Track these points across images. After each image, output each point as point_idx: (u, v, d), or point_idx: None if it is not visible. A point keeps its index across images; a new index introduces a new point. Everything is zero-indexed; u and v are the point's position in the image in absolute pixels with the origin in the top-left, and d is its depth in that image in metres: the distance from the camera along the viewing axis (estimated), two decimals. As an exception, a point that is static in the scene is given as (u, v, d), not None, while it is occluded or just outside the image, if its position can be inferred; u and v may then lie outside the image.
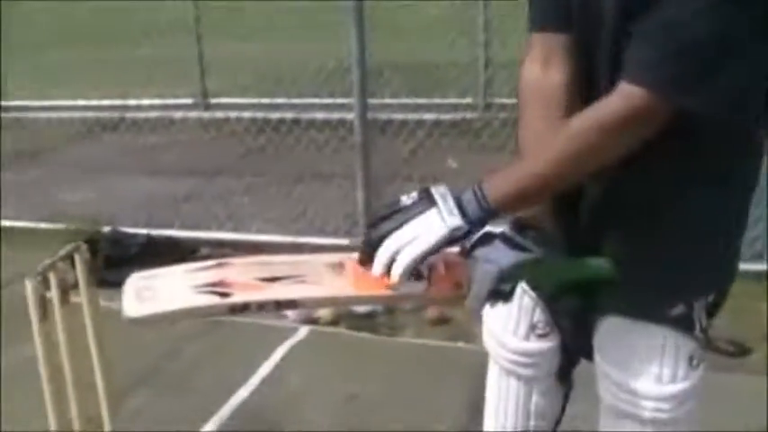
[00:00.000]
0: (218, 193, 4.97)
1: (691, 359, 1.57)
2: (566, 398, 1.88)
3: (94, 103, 6.85)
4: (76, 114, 6.87)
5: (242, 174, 5.28)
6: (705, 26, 1.30)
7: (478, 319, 1.63)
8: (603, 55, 1.45)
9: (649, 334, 1.55)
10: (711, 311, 1.59)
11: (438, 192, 1.41)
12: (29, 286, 1.96)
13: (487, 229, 1.45)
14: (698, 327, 1.56)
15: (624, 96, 1.35)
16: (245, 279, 1.42)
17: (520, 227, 1.49)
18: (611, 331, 1.60)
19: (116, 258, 3.81)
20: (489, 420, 1.91)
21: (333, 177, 4.72)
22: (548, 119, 1.51)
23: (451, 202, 1.39)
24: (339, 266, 1.46)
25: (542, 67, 1.53)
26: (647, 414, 1.59)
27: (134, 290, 1.42)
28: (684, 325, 1.54)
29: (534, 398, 1.83)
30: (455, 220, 1.38)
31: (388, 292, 1.41)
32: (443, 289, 1.46)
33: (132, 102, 6.66)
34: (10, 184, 5.39)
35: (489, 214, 1.40)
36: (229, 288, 1.40)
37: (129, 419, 2.68)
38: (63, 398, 2.11)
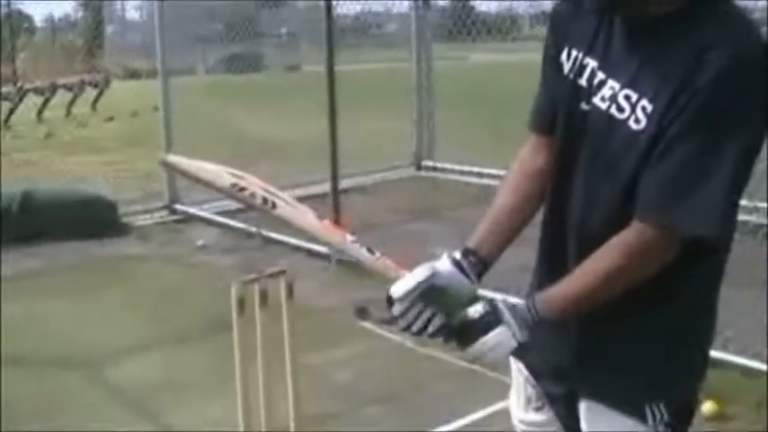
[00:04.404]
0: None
1: None
2: None
3: (492, 171, 7.62)
4: (478, 180, 7.74)
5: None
6: (719, 164, 1.51)
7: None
8: (582, 163, 1.69)
9: (612, 420, 1.74)
10: (680, 411, 1.73)
11: (507, 308, 1.62)
12: (233, 287, 2.65)
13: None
14: (654, 421, 1.71)
15: (641, 231, 1.58)
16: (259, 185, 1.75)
17: (469, 254, 1.74)
18: (584, 415, 1.81)
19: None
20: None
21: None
22: (516, 191, 1.80)
23: (519, 320, 1.63)
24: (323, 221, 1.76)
25: (532, 151, 1.82)
26: None
27: (185, 157, 1.78)
28: (644, 417, 1.70)
29: None
30: (524, 336, 1.63)
31: (345, 245, 1.71)
32: (384, 268, 1.70)
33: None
34: (406, 232, 6.32)
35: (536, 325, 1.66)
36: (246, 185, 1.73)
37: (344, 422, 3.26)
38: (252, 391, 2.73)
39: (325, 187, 7.31)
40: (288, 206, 1.75)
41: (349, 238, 1.75)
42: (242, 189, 1.74)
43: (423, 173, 8.51)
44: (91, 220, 6.30)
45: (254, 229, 6.35)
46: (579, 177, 1.70)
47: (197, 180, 1.78)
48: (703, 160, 1.52)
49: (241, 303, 2.65)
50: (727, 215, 1.57)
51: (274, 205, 1.74)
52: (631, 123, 1.58)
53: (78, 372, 3.87)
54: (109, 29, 21.97)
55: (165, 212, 7.05)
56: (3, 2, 20.62)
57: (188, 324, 4.44)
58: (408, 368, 3.57)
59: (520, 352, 1.69)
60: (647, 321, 1.69)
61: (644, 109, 1.57)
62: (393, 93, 8.88)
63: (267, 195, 1.74)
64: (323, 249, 5.78)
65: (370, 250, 1.73)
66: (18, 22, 24.53)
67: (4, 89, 14.32)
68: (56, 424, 3.40)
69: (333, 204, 5.75)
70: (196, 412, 3.48)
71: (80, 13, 29.83)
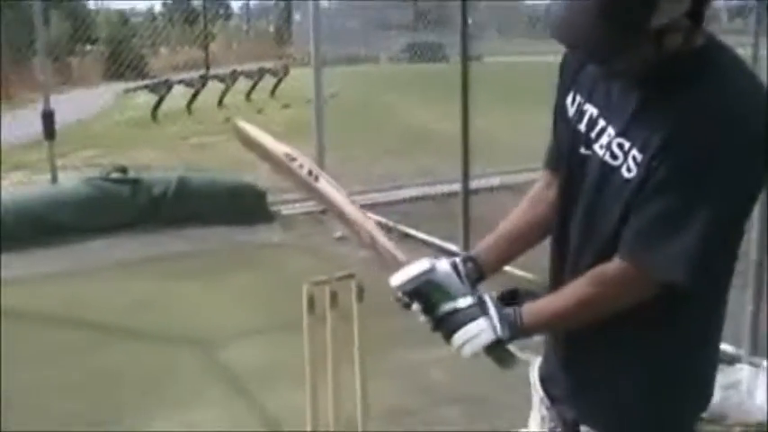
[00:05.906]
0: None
1: None
2: None
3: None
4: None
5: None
6: (696, 218, 1.55)
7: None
8: (580, 205, 1.76)
9: None
10: None
11: (492, 302, 1.72)
12: (304, 287, 2.80)
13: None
14: None
15: (619, 267, 1.64)
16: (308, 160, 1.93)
17: (469, 260, 1.83)
18: None
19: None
20: None
21: None
22: (524, 215, 1.91)
23: (503, 318, 1.69)
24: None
25: (544, 185, 1.91)
26: None
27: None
28: None
29: None
30: (505, 333, 1.71)
31: (371, 228, 1.81)
32: (397, 257, 1.77)
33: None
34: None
35: (518, 334, 1.74)
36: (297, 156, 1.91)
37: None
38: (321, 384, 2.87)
39: (476, 184, 7.43)
40: (328, 184, 1.90)
41: (373, 220, 1.88)
42: (293, 159, 1.90)
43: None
44: (240, 206, 6.66)
45: (391, 224, 6.52)
46: (577, 217, 1.76)
47: (257, 146, 1.94)
48: (679, 213, 1.55)
49: (311, 303, 2.80)
50: (705, 265, 1.58)
51: (317, 178, 1.90)
52: (624, 171, 1.63)
53: (190, 351, 4.17)
54: (297, 15, 22.81)
55: (312, 202, 7.27)
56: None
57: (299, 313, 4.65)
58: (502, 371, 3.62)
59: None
60: (640, 356, 1.73)
61: (635, 158, 1.61)
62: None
63: (313, 169, 1.91)
64: (453, 247, 5.91)
65: (390, 239, 1.83)
66: (214, 8, 25.78)
67: (189, 76, 15.24)
68: (155, 398, 3.69)
69: (462, 203, 5.80)
70: (288, 398, 3.66)
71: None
